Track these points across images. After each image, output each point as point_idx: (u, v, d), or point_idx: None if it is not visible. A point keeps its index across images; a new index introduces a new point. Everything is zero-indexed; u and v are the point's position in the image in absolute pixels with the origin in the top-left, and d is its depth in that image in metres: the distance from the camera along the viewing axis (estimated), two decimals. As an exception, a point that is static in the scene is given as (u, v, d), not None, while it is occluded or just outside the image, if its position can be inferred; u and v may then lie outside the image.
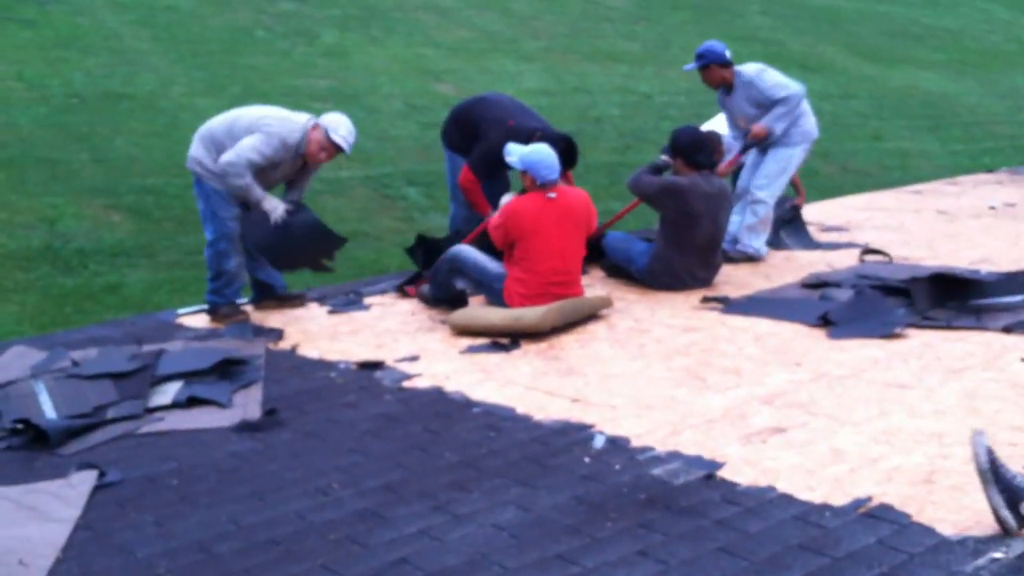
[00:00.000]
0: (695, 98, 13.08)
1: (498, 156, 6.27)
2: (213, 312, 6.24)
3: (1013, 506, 3.28)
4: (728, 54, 7.29)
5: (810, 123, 7.42)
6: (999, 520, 3.30)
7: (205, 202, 6.12)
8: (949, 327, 5.56)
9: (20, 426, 4.39)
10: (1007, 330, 5.45)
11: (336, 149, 6.07)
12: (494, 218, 6.09)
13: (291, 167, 6.23)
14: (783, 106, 7.18)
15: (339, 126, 6.05)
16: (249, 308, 6.45)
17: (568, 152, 6.65)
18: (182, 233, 8.70)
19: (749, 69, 7.30)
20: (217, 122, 6.18)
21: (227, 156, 5.91)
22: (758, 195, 7.28)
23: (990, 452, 3.34)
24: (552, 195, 5.95)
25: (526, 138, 6.38)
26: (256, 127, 5.97)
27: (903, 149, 13.52)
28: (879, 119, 14.52)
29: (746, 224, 7.24)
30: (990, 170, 12.28)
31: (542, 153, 5.99)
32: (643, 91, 14.15)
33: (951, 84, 17.88)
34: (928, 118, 15.41)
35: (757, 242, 7.32)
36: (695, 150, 6.59)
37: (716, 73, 7.30)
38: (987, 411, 4.36)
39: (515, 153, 6.08)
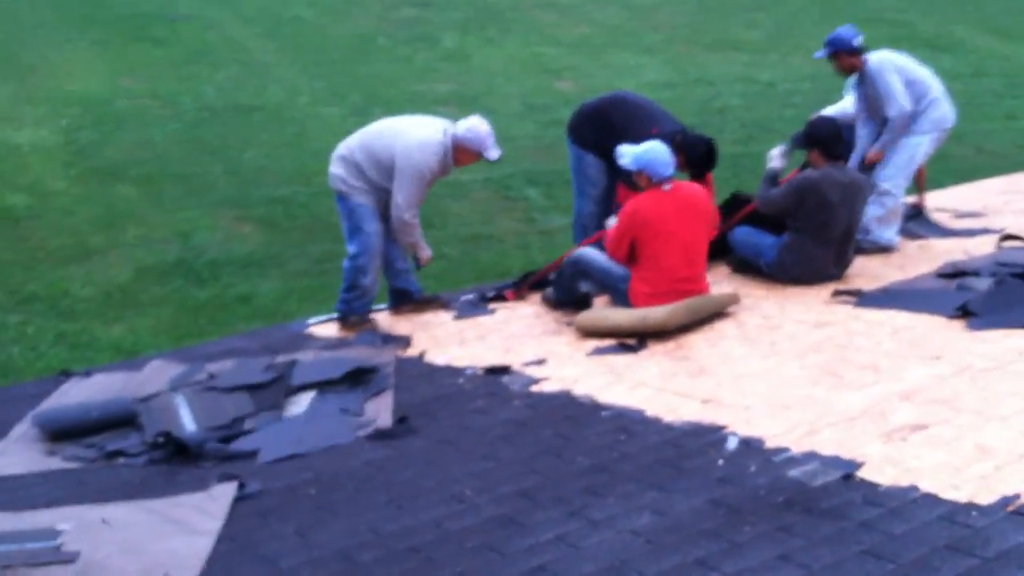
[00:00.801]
0: (820, 84, 12.80)
1: None
2: (343, 321, 6.35)
3: None
4: (857, 41, 7.10)
5: (941, 111, 7.16)
6: None
7: (349, 218, 6.25)
8: (1099, 314, 5.33)
9: (162, 439, 4.52)
10: None
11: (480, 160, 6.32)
12: (611, 231, 6.06)
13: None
14: (887, 133, 7.06)
15: (487, 138, 6.18)
16: (385, 314, 6.55)
17: (709, 155, 6.64)
18: (310, 242, 8.90)
19: (874, 60, 7.10)
20: (354, 144, 6.28)
21: (402, 217, 6.09)
22: (884, 186, 7.08)
23: None
24: (668, 187, 5.89)
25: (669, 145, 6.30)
26: (398, 159, 6.06)
27: (1040, 128, 12.99)
28: (1013, 98, 13.98)
29: (875, 216, 7.04)
30: None
31: (656, 151, 5.92)
32: (766, 80, 13.93)
33: None
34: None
35: (888, 232, 7.12)
36: (835, 142, 6.47)
37: (845, 61, 7.13)
38: None
39: (627, 154, 6.02)
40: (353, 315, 6.33)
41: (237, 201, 9.80)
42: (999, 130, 12.55)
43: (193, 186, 10.12)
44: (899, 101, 6.98)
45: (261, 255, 8.78)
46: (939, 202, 8.58)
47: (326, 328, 6.39)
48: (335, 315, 6.45)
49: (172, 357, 5.87)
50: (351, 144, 6.28)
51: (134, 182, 10.13)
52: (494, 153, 6.22)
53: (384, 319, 6.48)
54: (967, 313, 5.46)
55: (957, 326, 5.38)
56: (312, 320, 6.55)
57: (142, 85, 12.72)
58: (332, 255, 8.91)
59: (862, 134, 7.27)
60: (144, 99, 12.36)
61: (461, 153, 6.21)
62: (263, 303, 7.77)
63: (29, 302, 7.89)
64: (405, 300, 6.60)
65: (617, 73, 14.04)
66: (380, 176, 6.14)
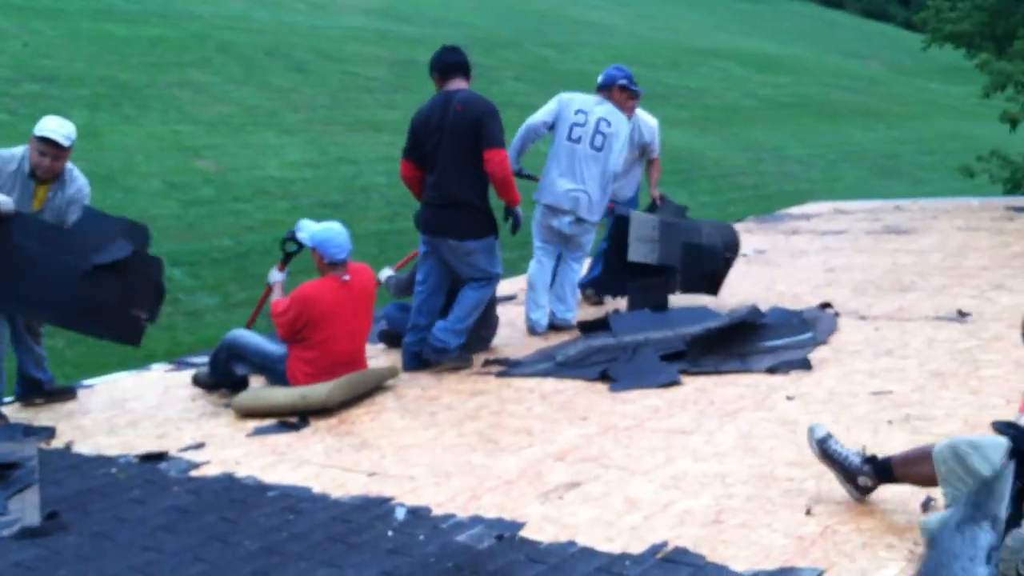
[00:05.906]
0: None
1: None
2: None
3: (851, 480, 3.86)
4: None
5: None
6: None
7: None
8: (718, 372, 5.85)
9: None
10: (771, 371, 5.76)
11: (47, 144, 5.78)
12: (279, 304, 5.93)
13: (24, 194, 5.87)
14: None
15: (43, 123, 5.83)
16: (14, 407, 6.13)
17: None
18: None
19: None
20: None
21: None
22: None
23: (821, 440, 3.91)
24: (346, 278, 5.90)
25: None
26: None
27: (657, 203, 14.12)
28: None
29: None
30: (739, 219, 12.94)
31: (333, 231, 5.93)
32: (407, 159, 14.33)
33: (697, 140, 18.91)
34: (678, 172, 16.22)
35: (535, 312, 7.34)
36: None
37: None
38: (763, 449, 4.59)
39: (306, 230, 6.02)
40: None
41: None
42: (621, 206, 13.51)
43: None
44: None
45: None
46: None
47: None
48: None
49: None
50: None
51: None
52: (49, 132, 5.79)
53: (21, 410, 6.08)
54: (607, 377, 5.85)
55: (600, 388, 5.74)
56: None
57: None
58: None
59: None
60: None
61: (30, 146, 5.81)
62: None
63: None
64: (35, 391, 6.22)
65: (259, 152, 14.02)
66: None
